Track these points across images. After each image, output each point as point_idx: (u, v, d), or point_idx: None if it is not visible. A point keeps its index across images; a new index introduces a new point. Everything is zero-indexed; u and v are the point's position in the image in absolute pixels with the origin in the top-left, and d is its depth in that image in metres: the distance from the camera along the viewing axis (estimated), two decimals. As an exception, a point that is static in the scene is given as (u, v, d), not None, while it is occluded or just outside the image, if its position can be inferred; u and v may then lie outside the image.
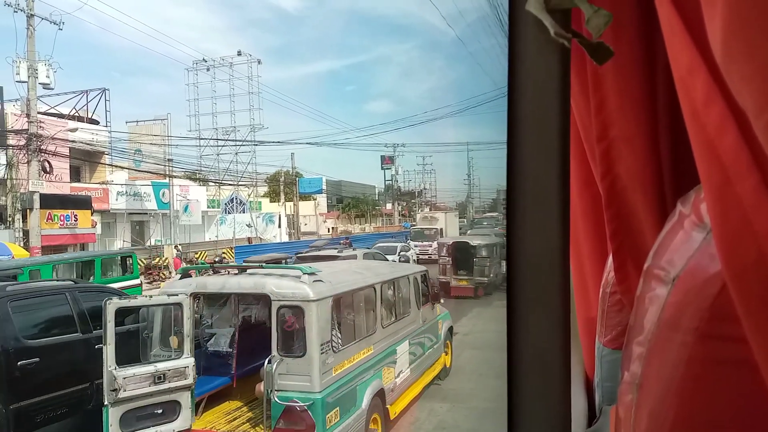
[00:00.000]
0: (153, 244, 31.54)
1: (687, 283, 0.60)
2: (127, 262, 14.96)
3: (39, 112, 22.53)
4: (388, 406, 6.53)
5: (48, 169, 23.23)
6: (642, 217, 0.91)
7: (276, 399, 5.17)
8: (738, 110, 0.49)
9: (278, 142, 51.48)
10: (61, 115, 28.99)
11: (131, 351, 5.97)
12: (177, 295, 5.66)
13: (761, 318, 0.50)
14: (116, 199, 30.12)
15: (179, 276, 6.52)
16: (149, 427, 5.26)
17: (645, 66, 0.85)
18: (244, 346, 6.66)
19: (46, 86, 23.05)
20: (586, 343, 1.56)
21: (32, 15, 20.98)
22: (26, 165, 21.46)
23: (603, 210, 0.96)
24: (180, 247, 28.09)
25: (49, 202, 22.78)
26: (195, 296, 5.89)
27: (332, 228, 51.37)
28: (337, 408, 5.43)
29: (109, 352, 5.13)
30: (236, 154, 40.42)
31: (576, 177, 1.12)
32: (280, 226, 40.09)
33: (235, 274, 6.31)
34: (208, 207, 37.74)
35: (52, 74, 22.72)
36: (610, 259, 1.03)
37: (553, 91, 0.76)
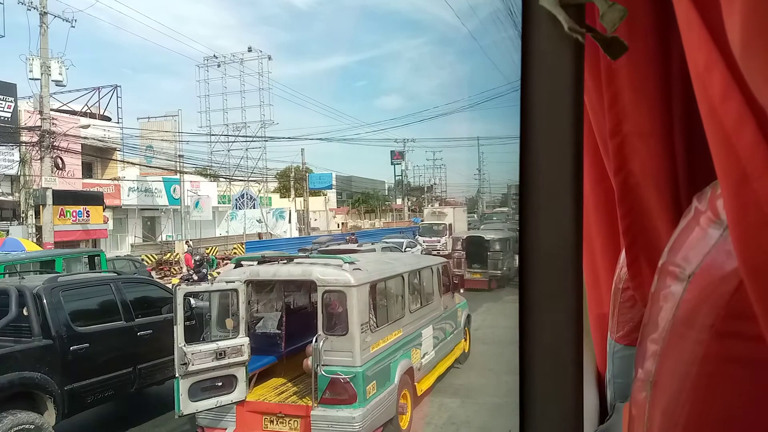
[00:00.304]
0: (164, 239, 31.74)
1: (703, 280, 0.59)
2: (95, 261, 13.56)
3: (52, 109, 22.71)
4: (415, 384, 7.19)
5: (60, 166, 23.42)
6: (655, 213, 0.90)
7: (322, 372, 5.82)
8: (756, 106, 0.49)
9: (288, 137, 51.50)
10: (73, 112, 29.20)
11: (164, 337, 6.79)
12: (234, 282, 6.26)
13: None
14: (128, 195, 30.32)
15: (233, 266, 7.05)
16: (211, 397, 5.89)
17: (660, 61, 0.84)
18: (288, 328, 7.36)
19: (58, 83, 23.21)
20: (597, 339, 1.55)
21: (45, 13, 21.12)
22: (39, 161, 21.66)
23: (616, 206, 0.96)
24: (191, 242, 28.24)
25: (62, 198, 22.98)
26: (247, 283, 6.46)
27: (342, 223, 51.43)
28: (374, 381, 6.08)
29: (178, 331, 5.70)
30: (247, 149, 40.54)
31: (589, 172, 1.12)
32: (290, 222, 40.20)
33: (284, 263, 6.91)
34: (219, 203, 37.89)
35: (64, 71, 22.87)
36: (623, 254, 1.03)
37: (567, 86, 0.76)
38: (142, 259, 21.75)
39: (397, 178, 61.46)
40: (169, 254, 26.92)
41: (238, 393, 6.04)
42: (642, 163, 0.88)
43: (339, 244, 16.44)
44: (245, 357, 6.08)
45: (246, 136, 40.57)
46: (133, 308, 7.52)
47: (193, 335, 7.43)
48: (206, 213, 34.41)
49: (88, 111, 31.13)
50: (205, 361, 5.81)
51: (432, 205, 48.63)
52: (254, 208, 37.60)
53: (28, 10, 21.00)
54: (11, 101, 23.61)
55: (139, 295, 7.91)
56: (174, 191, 32.36)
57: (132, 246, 29.24)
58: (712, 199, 0.61)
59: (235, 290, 6.21)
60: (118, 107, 32.88)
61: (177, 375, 5.68)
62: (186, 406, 5.70)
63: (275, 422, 6.05)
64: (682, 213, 0.70)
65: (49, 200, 21.34)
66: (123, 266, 17.47)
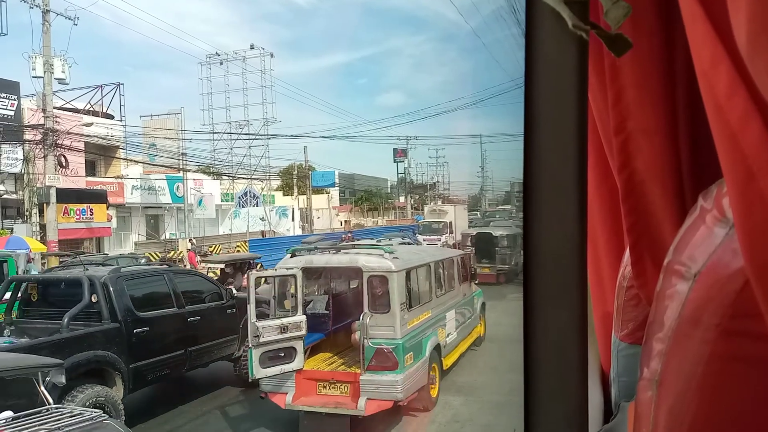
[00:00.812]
0: (168, 237, 31.79)
1: (709, 279, 0.59)
2: (3, 267, 12.26)
3: (55, 107, 22.75)
4: (442, 359, 8.21)
5: (64, 164, 23.48)
6: (660, 211, 0.90)
7: (369, 344, 6.80)
8: (762, 103, 0.48)
9: (291, 135, 51.53)
10: (76, 110, 29.22)
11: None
12: (292, 269, 7.29)
13: None
14: (131, 193, 30.37)
15: (290, 255, 8.08)
16: (276, 365, 6.85)
17: (664, 58, 0.83)
18: (333, 309, 8.58)
19: (61, 81, 23.26)
20: (602, 337, 1.55)
21: (47, 11, 21.15)
22: (43, 160, 21.71)
23: (620, 203, 0.95)
24: (194, 240, 28.29)
25: (65, 196, 23.03)
26: (302, 270, 7.45)
27: (345, 221, 51.45)
28: (411, 353, 7.07)
29: (251, 309, 6.70)
30: (249, 147, 40.52)
31: (593, 170, 1.11)
32: (293, 220, 40.21)
33: (334, 253, 8.03)
34: (222, 201, 37.92)
35: (67, 69, 22.92)
36: (627, 253, 1.02)
37: (571, 84, 0.76)
38: (146, 257, 21.78)
39: (399, 175, 61.43)
40: (172, 252, 26.97)
41: (297, 362, 7.00)
42: (646, 160, 0.88)
43: (331, 245, 16.92)
44: (303, 332, 7.05)
45: (249, 134, 40.58)
46: (183, 297, 8.38)
47: (232, 321, 8.90)
48: (209, 211, 34.44)
49: (91, 109, 31.16)
50: (272, 334, 6.76)
51: (434, 203, 48.43)
52: (257, 206, 37.62)
53: (30, 8, 21.04)
54: (14, 99, 23.66)
55: (188, 286, 8.83)
56: (177, 189, 32.40)
57: (135, 244, 29.30)
58: (717, 198, 0.61)
59: (294, 276, 7.19)
60: (120, 105, 32.91)
61: (250, 345, 6.69)
62: (258, 371, 6.69)
63: (328, 387, 7.07)
64: (686, 211, 0.70)
65: (53, 198, 21.39)
66: (126, 264, 17.48)
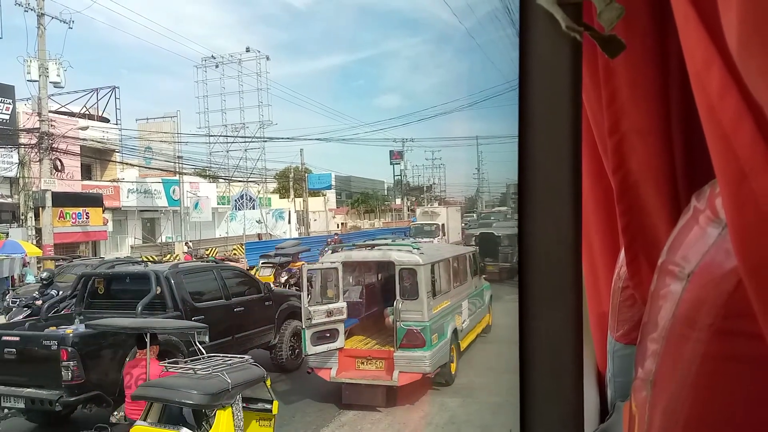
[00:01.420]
0: (164, 240, 31.74)
1: (702, 279, 0.59)
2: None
3: (50, 111, 22.70)
4: (459, 341, 9.43)
5: (59, 168, 23.41)
6: (655, 212, 0.90)
7: (401, 325, 7.96)
8: (754, 104, 0.49)
9: (287, 138, 51.39)
10: (71, 114, 29.18)
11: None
12: (334, 263, 8.55)
13: None
14: (127, 197, 30.31)
15: (331, 251, 9.51)
16: (323, 344, 8.06)
17: (657, 59, 0.84)
18: (365, 298, 10.14)
19: (56, 85, 23.20)
20: (597, 337, 1.55)
21: (42, 14, 21.12)
22: (38, 163, 21.65)
23: (615, 204, 0.95)
24: (191, 243, 28.25)
25: (61, 200, 22.97)
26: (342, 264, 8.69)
27: (342, 223, 51.43)
28: (436, 334, 8.23)
29: (304, 296, 8.03)
30: (246, 150, 40.51)
31: (588, 171, 1.11)
32: (290, 222, 40.19)
33: (369, 249, 9.62)
34: (218, 203, 37.88)
35: (62, 73, 22.86)
36: (622, 253, 1.03)
37: (565, 85, 0.76)
38: (142, 260, 21.73)
39: (396, 177, 61.47)
40: (168, 255, 26.91)
41: (339, 342, 8.19)
42: (641, 161, 0.88)
43: (307, 250, 18.58)
44: (344, 316, 8.27)
45: (245, 137, 40.56)
46: (229, 290, 9.35)
47: (269, 312, 9.94)
48: (206, 214, 34.41)
49: (87, 112, 31.11)
50: (320, 317, 7.98)
51: (430, 204, 48.26)
52: (253, 208, 37.60)
53: (25, 11, 21.01)
54: (9, 103, 23.60)
55: (232, 280, 9.81)
56: (173, 192, 32.35)
57: (132, 247, 29.23)
58: (710, 198, 0.61)
59: (336, 268, 8.45)
60: (116, 108, 32.89)
61: (303, 326, 7.89)
62: (310, 348, 7.95)
63: (365, 363, 8.30)
64: (681, 211, 0.70)
65: (49, 202, 21.34)
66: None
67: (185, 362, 5.83)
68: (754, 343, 0.53)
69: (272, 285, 12.31)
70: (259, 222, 36.78)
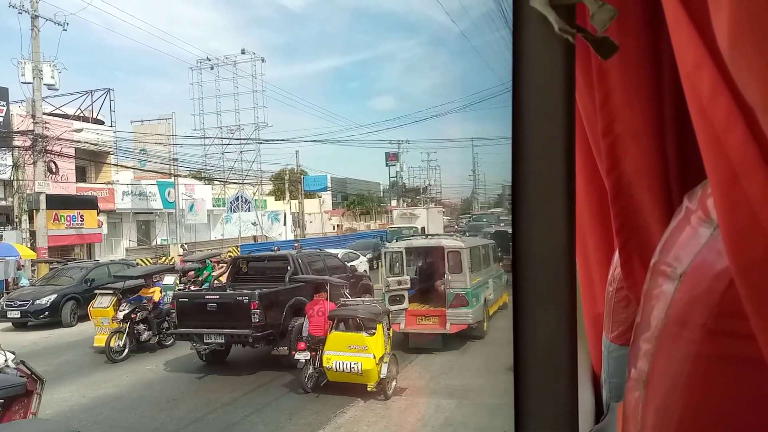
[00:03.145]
0: (159, 243, 31.64)
1: (694, 279, 0.59)
2: None
3: (44, 113, 22.63)
4: (488, 308, 12.28)
5: (54, 170, 23.33)
6: (648, 213, 0.90)
7: (450, 291, 11.04)
8: (745, 105, 0.49)
9: (283, 140, 51.46)
10: (66, 116, 29.08)
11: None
12: (400, 248, 12.13)
13: None
14: (122, 199, 30.22)
15: (395, 239, 14.35)
16: (395, 305, 10.86)
17: (650, 60, 0.84)
18: (418, 275, 13.22)
19: (51, 87, 23.16)
20: (592, 338, 1.56)
21: (36, 16, 21.07)
22: (32, 166, 21.58)
23: (609, 205, 0.96)
24: (186, 246, 28.17)
25: (56, 202, 22.89)
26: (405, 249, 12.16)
27: (338, 225, 51.38)
28: (474, 298, 11.23)
29: (386, 270, 11.65)
30: (241, 152, 40.45)
31: (581, 172, 1.12)
32: (285, 224, 40.14)
33: (424, 238, 15.05)
34: (214, 206, 37.81)
35: (56, 75, 22.82)
36: (617, 254, 1.03)
37: (558, 87, 0.76)
38: (137, 263, 21.66)
39: (391, 179, 61.53)
40: (164, 258, 26.83)
41: (405, 304, 11.16)
42: (634, 162, 0.88)
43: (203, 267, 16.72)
44: (408, 285, 11.39)
45: (240, 139, 40.50)
46: (329, 269, 12.59)
47: (352, 287, 12.17)
48: (201, 216, 34.32)
49: (81, 114, 31.02)
50: (394, 285, 11.16)
51: (408, 205, 46.97)
52: (249, 210, 37.53)
53: (19, 13, 20.95)
54: (3, 105, 23.51)
55: (331, 262, 13.35)
56: (168, 194, 32.26)
57: (127, 250, 29.14)
58: (702, 198, 0.61)
59: (401, 252, 12.00)
60: (111, 110, 32.81)
61: (384, 291, 11.19)
62: (388, 307, 10.30)
63: (424, 319, 11.39)
64: (674, 212, 0.70)
65: (43, 205, 21.26)
66: (117, 270, 17.41)
67: (345, 302, 9.79)
68: (745, 343, 0.54)
69: (110, 320, 11.91)
70: (254, 224, 36.71)
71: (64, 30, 22.56)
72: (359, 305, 9.40)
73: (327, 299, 9.60)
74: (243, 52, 41.67)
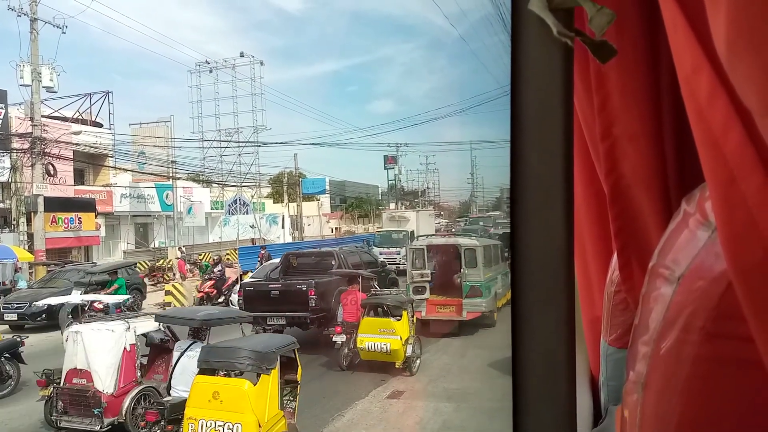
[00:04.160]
0: (157, 246, 31.60)
1: (692, 282, 0.60)
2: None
3: (43, 116, 22.62)
4: (497, 301, 13.38)
5: (52, 172, 23.32)
6: (646, 216, 0.90)
7: (466, 282, 12.46)
8: (743, 108, 0.49)
9: (281, 143, 51.27)
10: (64, 118, 29.04)
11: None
12: (422, 246, 13.72)
13: (767, 317, 0.50)
14: (120, 202, 30.18)
15: (417, 238, 17.12)
16: (418, 295, 12.40)
17: (648, 64, 0.84)
18: (436, 270, 14.10)
19: (49, 89, 23.13)
20: (591, 342, 1.56)
21: (35, 19, 21.06)
22: (30, 168, 21.54)
23: (607, 208, 0.96)
24: (184, 248, 28.13)
25: (53, 205, 22.85)
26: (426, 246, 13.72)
27: (336, 228, 51.36)
28: (487, 290, 12.67)
29: (409, 265, 13.62)
30: (239, 155, 40.42)
31: (580, 175, 1.12)
32: (283, 227, 40.11)
33: (442, 236, 18.52)
34: (212, 208, 37.76)
35: (55, 77, 22.80)
36: (615, 257, 1.03)
37: (556, 90, 0.76)
38: (135, 266, 21.63)
39: (390, 182, 61.51)
40: (162, 261, 26.78)
41: (427, 294, 12.70)
42: (632, 165, 0.88)
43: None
44: (429, 278, 12.95)
45: (239, 142, 40.48)
46: (364, 263, 14.78)
47: (383, 279, 14.99)
48: (199, 219, 34.27)
49: (80, 117, 30.99)
50: (417, 277, 12.88)
51: (398, 208, 45.95)
52: (247, 213, 37.49)
53: (18, 16, 20.94)
54: (2, 108, 23.48)
55: (365, 257, 15.88)
56: (167, 197, 32.22)
57: (125, 253, 29.10)
58: (700, 201, 0.61)
59: (422, 249, 13.52)
60: (109, 113, 32.79)
61: (408, 283, 13.08)
62: (412, 296, 12.01)
63: (443, 308, 12.82)
64: (672, 215, 0.70)
65: (41, 207, 21.23)
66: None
67: (375, 292, 11.25)
68: (744, 346, 0.54)
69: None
70: (252, 227, 36.66)
71: (63, 33, 22.59)
72: (387, 295, 10.92)
73: (359, 290, 11.07)
74: (242, 55, 41.69)
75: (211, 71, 41.76)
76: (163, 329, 7.90)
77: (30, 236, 22.40)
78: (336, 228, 51.40)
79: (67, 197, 25.40)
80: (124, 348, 7.34)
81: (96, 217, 27.02)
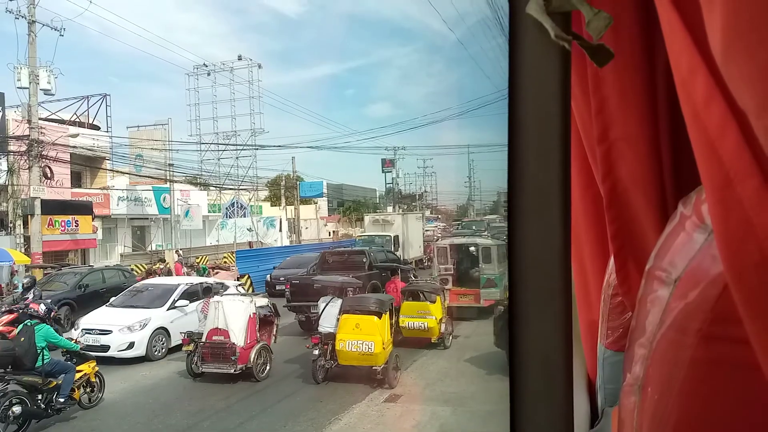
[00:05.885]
0: (154, 249, 31.51)
1: (689, 284, 0.60)
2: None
3: (40, 118, 22.56)
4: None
5: (49, 175, 23.23)
6: (643, 219, 0.91)
7: (483, 276, 14.84)
8: (739, 111, 0.49)
9: (279, 146, 51.34)
10: (62, 121, 28.97)
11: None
12: (445, 244, 17.12)
13: (763, 319, 0.50)
14: (117, 205, 30.09)
15: (440, 237, 26.67)
16: (442, 285, 13.99)
17: (645, 67, 0.85)
18: (458, 264, 16.49)
19: (47, 92, 23.05)
20: (588, 345, 1.56)
21: (33, 21, 21.02)
22: (27, 171, 21.48)
23: (604, 211, 0.96)
24: (181, 251, 28.05)
25: (50, 207, 22.77)
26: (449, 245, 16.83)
27: (333, 231, 51.28)
28: (500, 281, 14.61)
29: (435, 261, 17.19)
30: (237, 158, 40.36)
31: (577, 179, 1.12)
32: (281, 230, 40.04)
33: (463, 236, 23.35)
34: (209, 211, 37.67)
35: (53, 80, 22.74)
36: (612, 260, 1.03)
37: (554, 93, 0.76)
38: (132, 269, 21.57)
39: (387, 185, 61.46)
40: (158, 263, 26.70)
41: (450, 285, 14.96)
42: (629, 168, 0.89)
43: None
44: (453, 272, 15.50)
45: (236, 145, 40.44)
46: (388, 260, 18.00)
47: (405, 275, 16.76)
48: (196, 222, 34.18)
49: (77, 120, 30.93)
50: (442, 270, 15.77)
51: (382, 211, 44.25)
52: (245, 216, 37.40)
53: (16, 18, 20.90)
54: (-1, 110, 23.42)
55: (389, 255, 19.05)
56: (164, 200, 32.15)
57: (122, 256, 28.97)
58: (697, 204, 0.62)
59: (446, 247, 16.36)
60: (107, 116, 32.70)
61: (434, 275, 16.07)
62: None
63: (463, 296, 14.97)
64: (669, 218, 0.70)
65: (38, 210, 21.16)
66: (112, 276, 17.34)
67: (412, 281, 13.83)
68: (740, 348, 0.54)
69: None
70: (250, 230, 36.58)
71: (60, 35, 22.54)
72: (423, 283, 13.75)
73: (399, 279, 14.39)
74: (240, 58, 41.65)
75: (208, 74, 41.74)
76: (269, 305, 11.09)
77: (27, 239, 22.31)
78: (334, 231, 51.34)
79: (64, 200, 25.31)
80: (250, 315, 10.20)
81: (93, 219, 26.91)
